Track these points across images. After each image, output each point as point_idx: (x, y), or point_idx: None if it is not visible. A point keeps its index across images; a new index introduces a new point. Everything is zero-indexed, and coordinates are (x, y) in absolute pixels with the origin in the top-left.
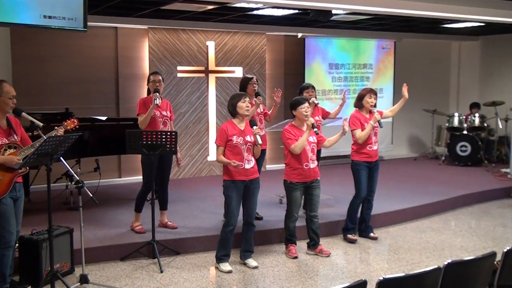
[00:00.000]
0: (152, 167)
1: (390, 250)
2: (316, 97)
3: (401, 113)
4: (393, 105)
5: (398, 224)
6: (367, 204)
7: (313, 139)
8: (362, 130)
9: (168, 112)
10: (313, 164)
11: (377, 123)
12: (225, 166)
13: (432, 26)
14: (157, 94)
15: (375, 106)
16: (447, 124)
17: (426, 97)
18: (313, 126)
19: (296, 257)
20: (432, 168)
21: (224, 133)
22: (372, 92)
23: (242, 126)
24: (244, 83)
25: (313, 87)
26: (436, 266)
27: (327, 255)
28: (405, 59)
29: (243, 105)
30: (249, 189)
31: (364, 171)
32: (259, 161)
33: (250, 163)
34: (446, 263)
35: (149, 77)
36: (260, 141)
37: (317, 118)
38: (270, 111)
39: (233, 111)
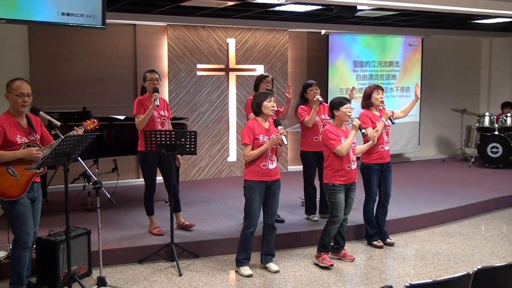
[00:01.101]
0: (151, 167)
1: (416, 255)
2: (320, 95)
3: (428, 113)
4: (421, 104)
5: (425, 228)
6: (381, 209)
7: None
8: (373, 129)
9: (165, 112)
10: (354, 165)
11: (389, 120)
12: (248, 166)
13: (462, 22)
14: (157, 94)
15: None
16: (477, 124)
17: (455, 96)
18: (360, 128)
19: (332, 265)
20: (461, 170)
21: (252, 131)
22: (379, 88)
23: (266, 125)
24: (258, 81)
25: (317, 85)
26: (465, 273)
27: (351, 260)
28: (433, 56)
29: (269, 104)
30: (271, 190)
31: (376, 174)
32: None
33: (273, 163)
34: (475, 269)
35: (145, 75)
36: (286, 141)
37: (323, 116)
38: (282, 108)
39: (258, 110)
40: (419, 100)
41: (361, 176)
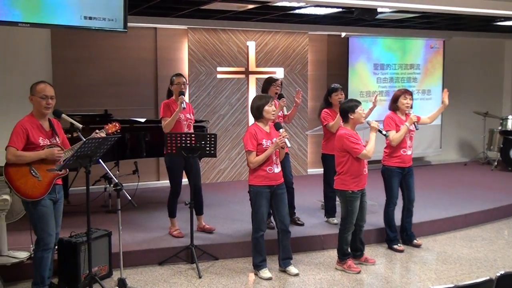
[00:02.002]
0: (177, 170)
1: (438, 259)
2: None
3: (450, 116)
4: None
5: (447, 232)
6: (407, 213)
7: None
8: (396, 132)
9: (191, 115)
10: (366, 170)
11: (413, 125)
12: (254, 171)
13: (484, 24)
14: (183, 97)
15: (411, 107)
16: (500, 128)
17: (477, 99)
18: (380, 131)
19: (359, 272)
20: (484, 174)
21: (254, 137)
22: (407, 92)
23: (267, 129)
24: (267, 84)
25: (341, 89)
26: (487, 278)
27: (373, 264)
28: (454, 58)
29: (270, 109)
30: (277, 194)
31: (397, 177)
32: (287, 164)
33: (278, 167)
34: (498, 274)
35: (172, 78)
36: (289, 144)
37: None
38: (289, 112)
39: (258, 115)
40: (440, 103)
41: (382, 178)
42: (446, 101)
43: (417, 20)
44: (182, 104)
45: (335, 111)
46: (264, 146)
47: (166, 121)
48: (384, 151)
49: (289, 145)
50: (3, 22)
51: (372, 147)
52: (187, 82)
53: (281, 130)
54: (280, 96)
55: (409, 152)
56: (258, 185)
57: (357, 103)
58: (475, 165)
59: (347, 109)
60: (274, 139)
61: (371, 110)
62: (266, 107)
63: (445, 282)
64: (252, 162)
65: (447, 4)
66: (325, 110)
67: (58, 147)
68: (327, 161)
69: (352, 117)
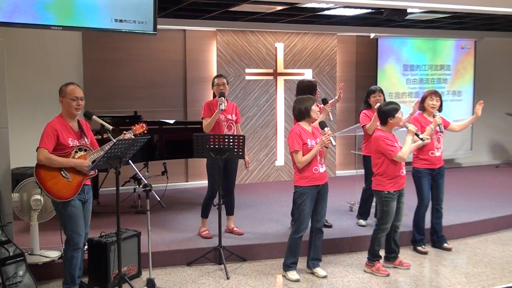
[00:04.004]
0: (217, 172)
1: (468, 263)
2: (384, 100)
3: (481, 117)
4: (473, 108)
5: (478, 235)
6: (436, 213)
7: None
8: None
9: (233, 116)
10: (404, 171)
11: (438, 127)
12: (300, 172)
13: None
14: (223, 98)
15: (440, 109)
16: None
17: (510, 100)
18: (417, 134)
19: (388, 275)
20: None
21: (299, 137)
22: (435, 94)
23: (310, 129)
24: (313, 88)
25: (380, 91)
26: None
27: (407, 268)
28: (486, 59)
29: (316, 109)
30: (320, 194)
31: (426, 178)
32: None
33: (323, 166)
34: None
35: (213, 80)
36: (334, 142)
37: None
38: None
39: (306, 115)
40: (471, 104)
41: (412, 180)
42: (479, 112)
43: (447, 20)
44: (221, 106)
45: (374, 113)
46: (309, 146)
47: (206, 122)
48: (413, 153)
49: (334, 143)
50: (37, 26)
51: (407, 150)
52: (228, 83)
53: (326, 129)
54: (324, 101)
55: (437, 154)
56: (305, 186)
57: (396, 107)
58: (507, 168)
59: (387, 113)
60: (321, 137)
61: (411, 115)
62: (313, 107)
63: (476, 286)
64: (300, 162)
65: (479, 4)
66: (364, 111)
67: (87, 147)
68: (367, 163)
69: (391, 121)
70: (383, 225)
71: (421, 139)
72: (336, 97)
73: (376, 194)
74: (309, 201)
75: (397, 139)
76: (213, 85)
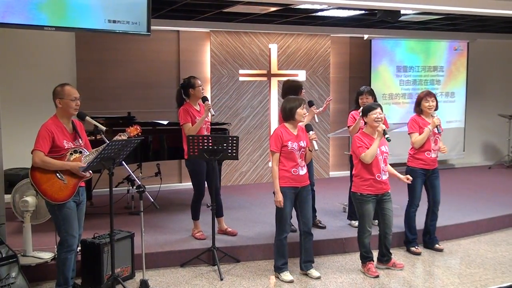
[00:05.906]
0: (200, 173)
1: (461, 264)
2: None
3: (474, 118)
4: (466, 109)
5: (471, 236)
6: (431, 215)
7: (385, 148)
8: (419, 134)
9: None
10: (385, 176)
11: (436, 128)
12: (280, 172)
13: (510, 26)
14: (209, 103)
15: (436, 109)
16: None
17: (502, 101)
18: (384, 133)
19: (377, 276)
20: (508, 177)
21: (279, 138)
22: (429, 95)
23: (295, 131)
24: (297, 88)
25: (368, 92)
26: None
27: (401, 269)
28: (479, 61)
29: (302, 111)
30: (301, 196)
31: (420, 179)
32: (310, 167)
33: (303, 169)
34: None
35: (191, 81)
36: (316, 147)
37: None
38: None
39: (290, 116)
40: (464, 105)
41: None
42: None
43: (440, 22)
44: (211, 111)
45: None
46: (289, 148)
47: (190, 127)
48: (409, 153)
49: (316, 147)
50: (30, 26)
51: (371, 151)
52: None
53: (310, 132)
54: (310, 104)
55: (433, 155)
56: (283, 186)
57: (373, 107)
58: (500, 169)
59: (362, 112)
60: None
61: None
62: (299, 110)
63: (469, 287)
64: (273, 167)
65: (472, 6)
66: (352, 112)
67: (82, 149)
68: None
69: (365, 120)
70: (361, 227)
71: (388, 139)
72: (321, 108)
73: (352, 195)
74: (288, 201)
75: (373, 142)
76: (192, 87)
